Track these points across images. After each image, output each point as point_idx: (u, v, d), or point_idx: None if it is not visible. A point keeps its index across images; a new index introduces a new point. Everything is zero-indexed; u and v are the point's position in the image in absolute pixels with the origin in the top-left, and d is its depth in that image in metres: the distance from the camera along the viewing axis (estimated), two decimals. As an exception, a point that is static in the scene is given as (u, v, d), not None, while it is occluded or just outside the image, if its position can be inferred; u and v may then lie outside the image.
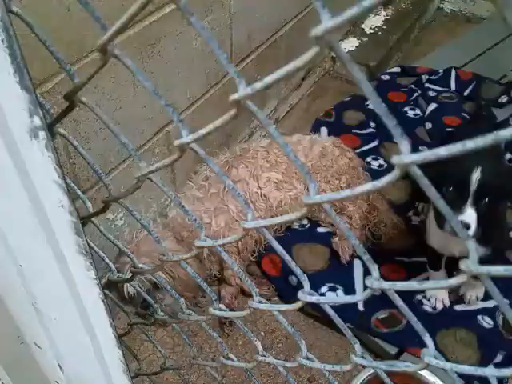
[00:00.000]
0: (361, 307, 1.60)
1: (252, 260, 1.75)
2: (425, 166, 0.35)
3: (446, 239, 1.36)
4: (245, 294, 1.72)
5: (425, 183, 0.37)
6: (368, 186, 0.38)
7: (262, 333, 1.63)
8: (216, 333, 0.84)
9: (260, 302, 0.63)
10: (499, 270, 0.35)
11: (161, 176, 1.66)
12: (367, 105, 2.34)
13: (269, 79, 0.35)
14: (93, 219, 0.77)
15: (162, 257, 0.67)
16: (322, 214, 1.81)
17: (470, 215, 1.18)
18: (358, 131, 2.24)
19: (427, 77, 2.51)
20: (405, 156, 0.35)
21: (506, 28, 2.77)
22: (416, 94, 2.41)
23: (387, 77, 2.53)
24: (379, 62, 2.59)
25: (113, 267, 0.83)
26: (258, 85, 0.36)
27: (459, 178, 1.20)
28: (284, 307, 0.58)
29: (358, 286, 1.67)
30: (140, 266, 0.74)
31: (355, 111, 2.33)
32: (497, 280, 0.37)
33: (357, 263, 1.73)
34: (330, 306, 1.69)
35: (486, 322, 1.53)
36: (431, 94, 2.43)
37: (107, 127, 0.55)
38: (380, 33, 2.78)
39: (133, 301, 1.63)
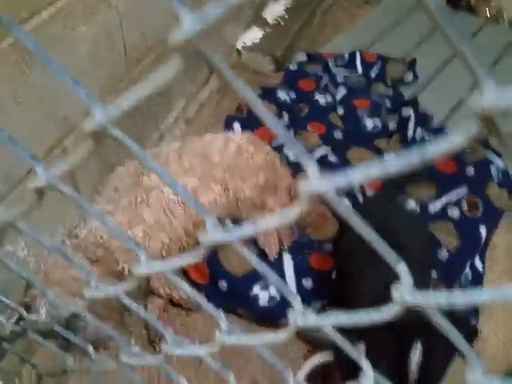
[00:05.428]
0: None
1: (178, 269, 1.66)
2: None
3: None
4: (174, 304, 1.62)
5: (339, 205, 0.30)
6: (274, 221, 0.31)
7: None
8: (137, 375, 0.74)
9: (175, 344, 0.55)
10: None
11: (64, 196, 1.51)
12: (278, 97, 2.30)
13: (125, 104, 0.26)
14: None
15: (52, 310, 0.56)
16: (244, 213, 1.75)
17: None
18: (271, 123, 2.19)
19: (334, 62, 2.51)
20: (313, 183, 0.28)
21: (404, 7, 2.84)
22: (325, 81, 2.40)
23: (295, 66, 2.50)
24: (285, 51, 2.55)
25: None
26: (113, 111, 0.27)
27: None
28: (202, 351, 0.50)
29: (290, 280, 1.63)
30: (32, 318, 0.63)
31: (267, 104, 2.28)
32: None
33: (286, 257, 1.69)
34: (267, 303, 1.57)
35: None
36: (339, 79, 2.43)
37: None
38: (282, 22, 2.74)
39: (52, 333, 1.49)
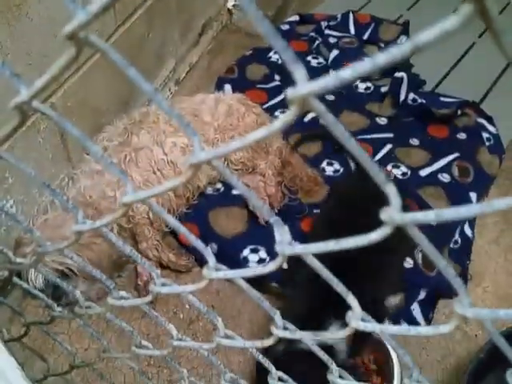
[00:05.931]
0: (284, 265, 1.56)
1: (167, 230, 1.65)
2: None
3: None
4: (163, 266, 1.63)
5: (329, 119, 0.29)
6: (262, 131, 0.30)
7: (180, 314, 1.55)
8: (125, 322, 0.74)
9: (163, 284, 0.55)
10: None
11: (52, 155, 1.49)
12: (270, 57, 2.26)
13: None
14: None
15: (37, 248, 0.55)
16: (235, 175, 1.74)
17: None
18: (263, 85, 2.16)
19: (326, 23, 2.46)
20: (301, 86, 0.27)
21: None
22: (317, 42, 2.37)
23: (286, 26, 2.46)
24: (277, 11, 2.50)
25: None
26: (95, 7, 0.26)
27: None
28: (189, 288, 0.50)
29: (280, 245, 1.63)
30: (18, 260, 0.63)
31: (258, 65, 2.25)
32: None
33: (276, 221, 1.68)
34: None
35: (407, 261, 1.54)
36: (332, 40, 2.39)
37: None
38: (275, -20, 2.68)
39: (43, 293, 1.49)
